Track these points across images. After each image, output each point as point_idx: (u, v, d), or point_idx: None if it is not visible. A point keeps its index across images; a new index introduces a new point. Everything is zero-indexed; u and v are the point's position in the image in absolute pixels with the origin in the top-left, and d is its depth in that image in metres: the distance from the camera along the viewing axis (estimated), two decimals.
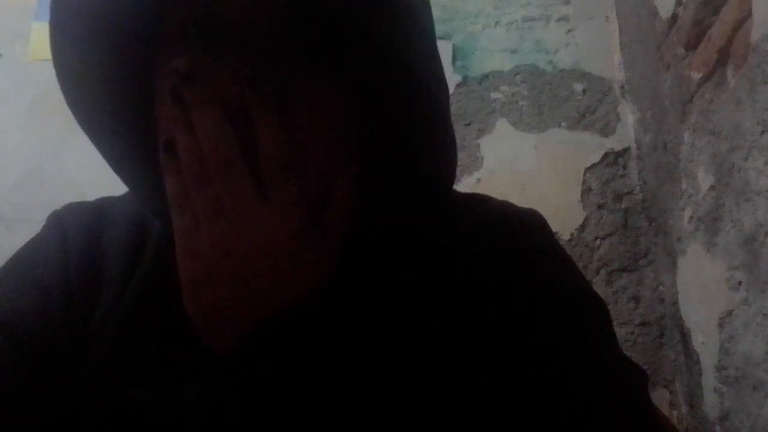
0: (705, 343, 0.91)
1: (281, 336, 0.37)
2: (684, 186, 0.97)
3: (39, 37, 1.41)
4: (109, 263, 0.46)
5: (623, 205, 1.21)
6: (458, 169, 1.39)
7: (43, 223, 0.49)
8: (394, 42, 0.37)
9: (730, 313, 0.81)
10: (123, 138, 0.43)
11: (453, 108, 1.26)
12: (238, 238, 0.36)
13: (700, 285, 0.92)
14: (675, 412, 1.06)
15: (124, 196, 0.51)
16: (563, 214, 1.20)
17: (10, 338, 0.40)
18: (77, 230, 0.47)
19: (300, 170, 0.38)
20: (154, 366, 0.41)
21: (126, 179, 0.45)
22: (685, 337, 1.00)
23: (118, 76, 0.43)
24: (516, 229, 0.51)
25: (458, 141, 1.42)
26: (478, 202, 0.55)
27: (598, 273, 1.16)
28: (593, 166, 1.23)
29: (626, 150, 1.24)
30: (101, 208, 0.49)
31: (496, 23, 1.37)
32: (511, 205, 0.55)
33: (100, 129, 0.43)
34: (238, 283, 0.36)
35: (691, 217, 0.95)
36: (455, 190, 0.54)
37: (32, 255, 0.47)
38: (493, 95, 1.30)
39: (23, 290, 0.43)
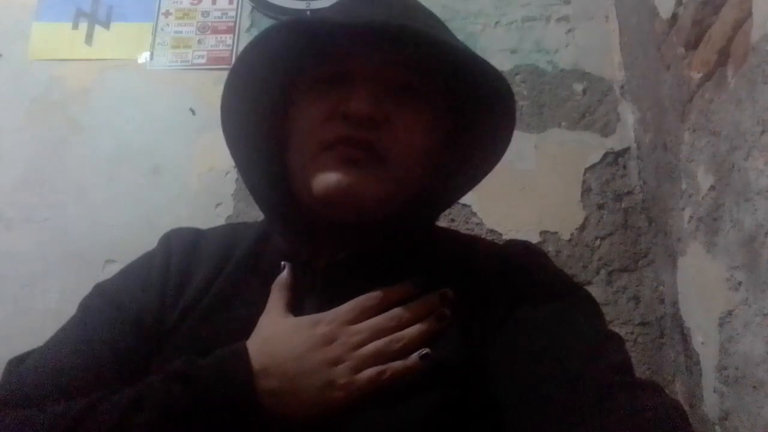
0: (705, 343, 0.91)
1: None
2: (684, 186, 0.97)
3: (39, 37, 1.41)
4: (198, 270, 0.65)
5: (623, 205, 1.21)
6: None
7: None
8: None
9: (730, 313, 0.81)
10: (260, 170, 0.65)
11: None
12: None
13: (700, 285, 0.92)
14: None
15: (215, 228, 0.73)
16: (563, 214, 1.20)
17: (123, 312, 0.62)
18: (179, 246, 0.67)
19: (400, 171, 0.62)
20: (215, 345, 0.56)
21: (260, 205, 0.67)
22: (685, 337, 1.00)
23: (263, 115, 0.65)
24: (511, 252, 0.69)
25: None
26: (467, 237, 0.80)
27: (598, 273, 1.16)
28: (593, 166, 1.23)
29: (626, 150, 1.24)
30: (198, 232, 0.71)
31: (496, 23, 1.37)
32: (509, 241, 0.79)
33: (248, 163, 0.65)
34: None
35: (691, 217, 0.95)
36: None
37: (145, 261, 0.68)
38: None
39: (135, 283, 0.65)
